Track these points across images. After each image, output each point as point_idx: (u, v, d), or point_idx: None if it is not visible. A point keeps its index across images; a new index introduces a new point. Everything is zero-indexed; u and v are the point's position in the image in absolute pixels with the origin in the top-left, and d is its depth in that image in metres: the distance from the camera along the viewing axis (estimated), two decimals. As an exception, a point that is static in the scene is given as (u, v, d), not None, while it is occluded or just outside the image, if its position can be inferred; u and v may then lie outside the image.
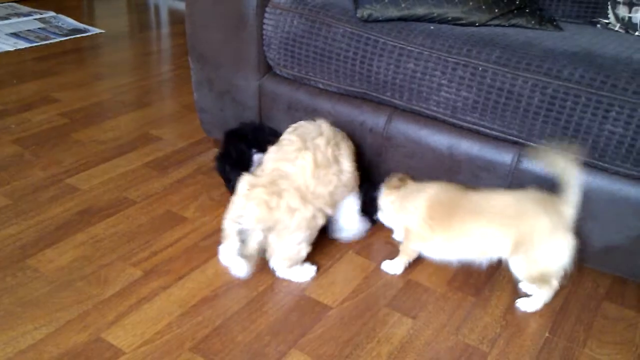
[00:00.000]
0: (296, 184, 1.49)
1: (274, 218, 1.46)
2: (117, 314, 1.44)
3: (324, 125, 1.61)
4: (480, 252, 1.56)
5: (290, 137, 1.57)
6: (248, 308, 1.50)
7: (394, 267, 1.66)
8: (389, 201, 1.68)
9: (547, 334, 1.50)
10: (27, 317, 1.41)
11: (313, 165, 1.50)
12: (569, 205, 1.46)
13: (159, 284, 1.55)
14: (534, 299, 1.57)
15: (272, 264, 1.58)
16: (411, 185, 1.67)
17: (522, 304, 1.58)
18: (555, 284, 1.56)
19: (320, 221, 1.57)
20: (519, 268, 1.52)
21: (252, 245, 1.48)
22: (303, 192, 1.49)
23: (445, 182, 1.63)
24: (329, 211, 1.58)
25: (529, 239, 1.48)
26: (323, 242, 1.76)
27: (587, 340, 1.49)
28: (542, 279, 1.53)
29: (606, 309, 1.60)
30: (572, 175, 1.44)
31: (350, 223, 1.75)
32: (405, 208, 1.63)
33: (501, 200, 1.52)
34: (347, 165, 1.61)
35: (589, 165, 1.54)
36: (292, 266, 1.60)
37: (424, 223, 1.58)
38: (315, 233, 1.58)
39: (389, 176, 1.72)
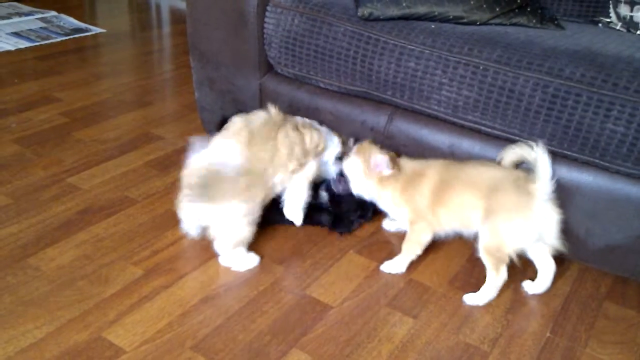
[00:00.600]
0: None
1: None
2: (118, 313, 1.44)
3: (272, 111, 1.70)
4: (462, 223, 1.61)
5: (234, 119, 1.67)
6: (249, 307, 1.50)
7: (397, 266, 1.66)
8: (387, 191, 1.68)
9: (548, 334, 1.50)
10: (28, 316, 1.41)
11: (245, 142, 1.59)
12: (540, 184, 1.49)
13: (160, 283, 1.55)
14: (481, 291, 1.58)
15: (216, 245, 1.62)
16: (406, 168, 1.67)
17: (468, 299, 1.58)
18: (504, 272, 1.55)
19: (258, 194, 1.60)
20: (482, 238, 1.54)
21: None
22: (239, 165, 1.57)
23: (438, 160, 1.67)
24: (265, 185, 1.62)
25: (495, 210, 1.51)
26: (324, 242, 1.76)
27: (588, 340, 1.49)
28: (497, 256, 1.54)
29: (607, 309, 1.60)
30: (540, 159, 1.49)
31: (289, 205, 1.73)
32: (411, 197, 1.64)
33: (482, 173, 1.58)
34: (284, 147, 1.64)
35: (590, 164, 1.54)
36: (236, 247, 1.61)
37: (429, 209, 1.61)
38: (256, 209, 1.60)
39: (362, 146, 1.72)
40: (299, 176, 1.70)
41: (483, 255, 1.55)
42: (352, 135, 1.85)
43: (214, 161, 1.57)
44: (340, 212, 1.81)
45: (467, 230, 1.62)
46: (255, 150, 1.60)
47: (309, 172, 1.71)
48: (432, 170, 1.62)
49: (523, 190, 1.51)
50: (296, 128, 1.69)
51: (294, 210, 1.72)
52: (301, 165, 1.69)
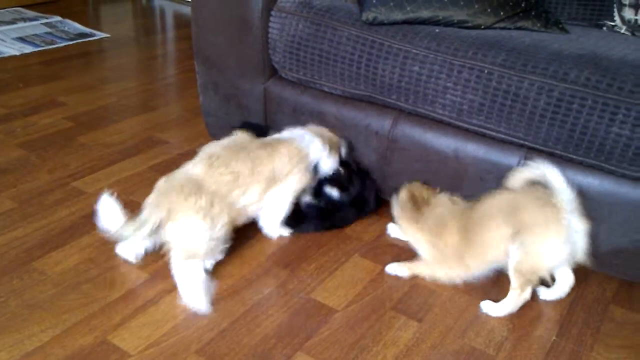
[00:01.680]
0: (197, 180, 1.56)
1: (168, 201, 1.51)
2: (123, 317, 1.44)
3: (238, 134, 1.73)
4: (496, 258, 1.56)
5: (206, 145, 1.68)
6: (254, 311, 1.50)
7: (400, 269, 1.67)
8: (413, 230, 1.68)
9: (554, 338, 1.49)
10: (33, 320, 1.41)
11: (206, 166, 1.58)
12: (562, 196, 1.45)
13: (165, 286, 1.55)
14: (502, 304, 1.55)
15: (171, 256, 1.53)
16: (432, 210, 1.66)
17: (486, 307, 1.56)
18: (528, 292, 1.53)
19: (222, 215, 1.54)
20: (512, 258, 1.50)
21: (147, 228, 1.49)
22: (201, 186, 1.54)
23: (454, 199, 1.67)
24: (230, 207, 1.58)
25: (524, 230, 1.47)
26: (329, 245, 1.76)
27: (594, 344, 1.48)
28: (528, 277, 1.51)
29: (613, 313, 1.60)
30: (549, 173, 1.47)
31: (265, 219, 1.77)
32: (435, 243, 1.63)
33: (497, 201, 1.54)
34: (245, 168, 1.61)
35: (595, 168, 1.54)
36: (188, 258, 1.51)
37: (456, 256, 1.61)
38: (218, 229, 1.54)
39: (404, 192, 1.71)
40: (278, 190, 1.70)
41: (513, 274, 1.51)
42: (357, 140, 1.86)
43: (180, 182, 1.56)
44: (356, 195, 1.83)
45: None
46: (217, 173, 1.57)
47: (290, 185, 1.71)
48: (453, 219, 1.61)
49: (548, 206, 1.46)
50: (263, 147, 1.67)
51: (271, 225, 1.76)
52: (273, 182, 1.67)
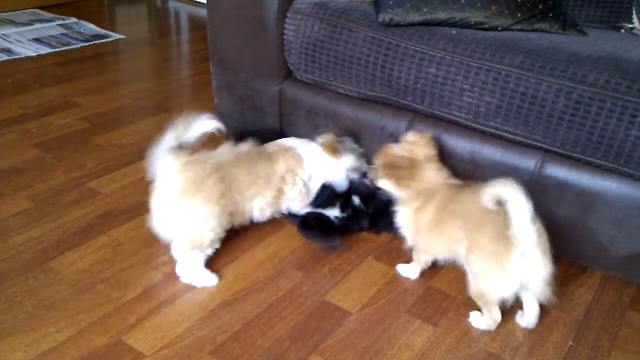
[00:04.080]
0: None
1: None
2: (137, 317, 1.45)
3: (250, 143, 1.73)
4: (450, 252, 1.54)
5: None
6: (267, 313, 1.50)
7: (409, 270, 1.66)
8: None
9: (570, 343, 1.48)
10: (48, 319, 1.42)
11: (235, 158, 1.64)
12: (517, 231, 1.34)
13: (179, 287, 1.55)
14: (482, 320, 1.50)
15: (174, 247, 1.59)
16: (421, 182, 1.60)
17: (473, 319, 1.51)
18: (497, 313, 1.47)
19: (228, 206, 1.58)
20: (467, 278, 1.48)
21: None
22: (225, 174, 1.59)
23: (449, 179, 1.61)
24: (236, 203, 1.62)
25: (474, 252, 1.42)
26: (343, 249, 1.76)
27: (611, 350, 1.46)
28: (482, 301, 1.47)
29: (631, 318, 1.57)
30: (513, 200, 1.33)
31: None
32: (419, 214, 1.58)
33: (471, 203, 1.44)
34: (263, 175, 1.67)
35: (613, 172, 1.52)
36: (192, 248, 1.56)
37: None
38: (222, 218, 1.57)
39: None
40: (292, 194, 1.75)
41: (471, 295, 1.49)
42: (372, 141, 1.85)
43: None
44: (375, 209, 1.81)
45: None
46: (240, 167, 1.62)
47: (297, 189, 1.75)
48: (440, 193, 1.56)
49: (502, 236, 1.36)
50: (269, 158, 1.71)
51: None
52: (280, 191, 1.71)
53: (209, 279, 1.58)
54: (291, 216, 1.83)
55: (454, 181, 1.60)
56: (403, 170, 1.59)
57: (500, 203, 1.35)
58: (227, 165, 1.60)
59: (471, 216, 1.44)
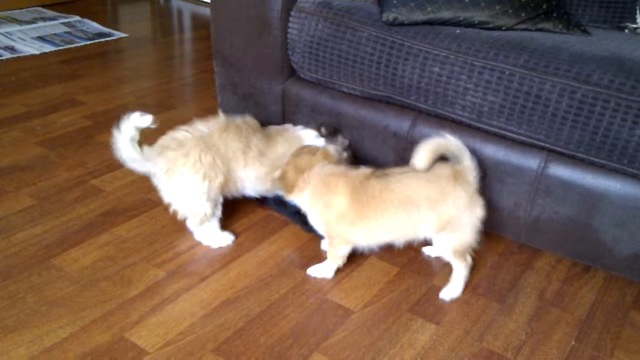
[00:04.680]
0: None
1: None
2: (140, 314, 1.45)
3: (247, 117, 1.79)
4: (407, 236, 1.58)
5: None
6: (270, 310, 1.50)
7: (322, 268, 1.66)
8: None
9: (573, 342, 1.48)
10: (51, 316, 1.42)
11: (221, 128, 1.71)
12: (472, 172, 1.53)
13: (182, 285, 1.56)
14: (454, 284, 1.60)
15: (187, 224, 1.73)
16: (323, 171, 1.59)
17: (446, 294, 1.60)
18: (469, 258, 1.60)
19: (218, 175, 1.65)
20: (446, 244, 1.56)
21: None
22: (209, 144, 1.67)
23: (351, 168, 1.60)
24: (228, 172, 1.69)
25: (455, 217, 1.51)
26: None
27: (614, 350, 1.46)
28: (465, 250, 1.57)
29: (634, 318, 1.57)
30: (459, 148, 1.52)
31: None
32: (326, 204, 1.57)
33: (420, 184, 1.52)
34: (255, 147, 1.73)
35: (617, 172, 1.52)
36: (202, 223, 1.69)
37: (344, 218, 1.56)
38: (214, 189, 1.66)
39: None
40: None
41: (451, 259, 1.59)
42: (375, 140, 1.85)
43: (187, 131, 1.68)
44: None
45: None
46: (230, 135, 1.69)
47: None
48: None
49: (465, 184, 1.52)
50: (267, 135, 1.78)
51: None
52: (275, 169, 1.72)
53: (225, 239, 1.73)
54: (277, 204, 1.86)
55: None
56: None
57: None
58: (210, 137, 1.67)
59: (429, 194, 1.51)
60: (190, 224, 1.72)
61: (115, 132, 1.58)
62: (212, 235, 1.72)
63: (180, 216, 1.70)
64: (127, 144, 1.57)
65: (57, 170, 2.04)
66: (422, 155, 1.51)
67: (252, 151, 1.71)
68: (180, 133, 1.67)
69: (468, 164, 1.53)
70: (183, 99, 2.73)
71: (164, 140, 1.67)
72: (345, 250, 1.60)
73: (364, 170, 1.57)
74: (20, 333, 1.37)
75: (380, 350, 1.41)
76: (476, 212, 1.54)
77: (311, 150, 1.63)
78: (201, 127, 1.70)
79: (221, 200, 1.72)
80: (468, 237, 1.55)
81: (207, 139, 1.67)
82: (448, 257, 1.59)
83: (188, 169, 1.62)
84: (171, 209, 1.70)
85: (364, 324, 1.48)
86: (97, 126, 2.38)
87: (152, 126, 1.58)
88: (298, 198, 1.61)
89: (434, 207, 1.50)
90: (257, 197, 1.85)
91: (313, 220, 1.61)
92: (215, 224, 1.72)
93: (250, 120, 1.78)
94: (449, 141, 1.52)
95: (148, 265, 1.62)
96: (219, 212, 1.72)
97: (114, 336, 1.38)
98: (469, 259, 1.60)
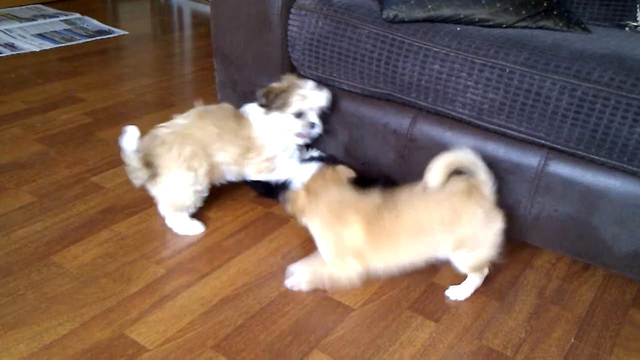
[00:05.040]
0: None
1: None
2: (140, 311, 1.45)
3: (225, 105, 1.87)
4: (424, 259, 1.55)
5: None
6: (270, 308, 1.50)
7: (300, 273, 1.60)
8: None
9: (572, 340, 1.48)
10: (51, 313, 1.42)
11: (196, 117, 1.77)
12: (488, 185, 1.49)
13: (182, 282, 1.56)
14: (464, 288, 1.58)
15: (160, 209, 1.76)
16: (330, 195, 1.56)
17: (452, 293, 1.59)
18: (486, 270, 1.58)
19: (202, 164, 1.71)
20: (463, 262, 1.53)
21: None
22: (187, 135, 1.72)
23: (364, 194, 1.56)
24: (208, 158, 1.73)
25: (471, 235, 1.47)
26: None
27: (613, 348, 1.46)
28: (483, 265, 1.55)
29: (633, 316, 1.57)
30: (474, 162, 1.48)
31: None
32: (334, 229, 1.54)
33: (431, 206, 1.48)
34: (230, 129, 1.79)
35: (617, 169, 1.52)
36: (176, 211, 1.73)
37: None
38: (200, 180, 1.71)
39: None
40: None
41: (469, 273, 1.57)
42: (375, 138, 1.85)
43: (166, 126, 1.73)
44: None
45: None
46: (205, 121, 1.74)
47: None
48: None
49: (481, 199, 1.48)
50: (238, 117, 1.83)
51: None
52: (246, 149, 1.80)
53: (195, 228, 1.76)
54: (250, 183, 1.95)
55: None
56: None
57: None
58: (189, 128, 1.73)
59: (443, 215, 1.47)
60: (163, 210, 1.75)
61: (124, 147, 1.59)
62: (181, 222, 1.75)
63: (160, 207, 1.75)
64: (133, 156, 1.61)
65: (57, 167, 2.04)
66: (435, 173, 1.46)
67: (227, 134, 1.76)
68: (160, 130, 1.72)
69: (483, 178, 1.48)
70: (183, 97, 2.73)
71: (145, 141, 1.68)
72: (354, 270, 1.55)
73: (374, 197, 1.52)
74: (20, 330, 1.37)
75: (380, 348, 1.41)
76: (495, 228, 1.49)
77: (322, 172, 1.61)
78: (180, 120, 1.76)
79: (206, 193, 1.78)
80: (486, 254, 1.51)
81: (186, 130, 1.72)
82: (463, 270, 1.55)
83: (173, 164, 1.67)
84: (157, 202, 1.75)
85: (363, 321, 1.49)
86: (97, 123, 2.38)
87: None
88: (308, 222, 1.59)
89: (448, 229, 1.46)
90: (238, 181, 1.89)
91: (321, 246, 1.56)
92: (187, 213, 1.76)
93: (225, 105, 1.85)
94: (463, 156, 1.47)
95: (148, 262, 1.62)
96: (198, 204, 1.77)
97: (114, 333, 1.38)
98: (486, 270, 1.58)
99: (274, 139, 1.82)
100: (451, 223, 1.46)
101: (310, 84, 1.81)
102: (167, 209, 1.74)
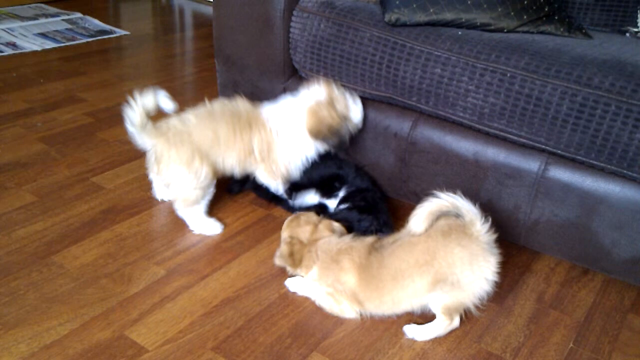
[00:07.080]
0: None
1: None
2: (140, 312, 1.45)
3: (239, 101, 1.82)
4: (415, 305, 1.46)
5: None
6: (270, 310, 1.50)
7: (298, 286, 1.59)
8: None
9: (571, 345, 1.48)
10: (52, 313, 1.43)
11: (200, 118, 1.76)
12: (475, 226, 1.39)
13: (182, 283, 1.56)
14: (429, 328, 1.46)
15: (174, 206, 1.78)
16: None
17: (410, 331, 1.47)
18: (457, 320, 1.46)
19: (204, 164, 1.70)
20: (437, 301, 1.42)
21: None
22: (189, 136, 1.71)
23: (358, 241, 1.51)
24: (209, 159, 1.72)
25: (449, 274, 1.37)
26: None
27: (612, 353, 1.47)
28: (458, 310, 1.44)
29: (632, 321, 1.58)
30: (459, 206, 1.38)
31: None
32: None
33: (407, 250, 1.42)
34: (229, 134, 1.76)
35: (617, 175, 1.53)
36: (187, 206, 1.75)
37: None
38: (203, 176, 1.71)
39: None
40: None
41: (441, 315, 1.44)
42: (376, 141, 1.85)
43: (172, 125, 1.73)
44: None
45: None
46: (204, 127, 1.72)
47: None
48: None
49: (466, 240, 1.38)
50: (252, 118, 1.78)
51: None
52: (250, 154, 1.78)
53: (212, 227, 1.77)
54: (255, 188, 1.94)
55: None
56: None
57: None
58: (191, 125, 1.72)
59: (420, 256, 1.40)
60: (177, 207, 1.76)
61: (137, 94, 1.64)
62: (197, 220, 1.77)
63: (174, 205, 1.77)
64: (140, 108, 1.65)
65: (58, 167, 2.04)
66: (417, 220, 1.41)
67: (232, 138, 1.75)
68: (172, 122, 1.73)
69: (470, 218, 1.38)
70: (184, 98, 2.73)
71: (161, 125, 1.72)
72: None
73: (367, 242, 1.48)
74: (20, 329, 1.37)
75: (380, 351, 1.41)
76: (483, 272, 1.38)
77: (308, 220, 1.56)
78: (189, 116, 1.75)
79: (212, 189, 1.78)
80: (464, 298, 1.40)
81: (192, 128, 1.72)
82: (435, 310, 1.44)
83: (174, 161, 1.68)
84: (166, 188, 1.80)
85: (363, 324, 1.49)
86: (98, 123, 2.38)
87: (169, 111, 1.72)
88: (305, 274, 1.54)
89: (425, 271, 1.38)
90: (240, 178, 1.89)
91: (318, 296, 1.52)
92: (201, 209, 1.77)
93: (240, 103, 1.80)
94: (444, 204, 1.39)
95: (148, 263, 1.62)
96: (208, 197, 1.78)
97: (114, 334, 1.38)
98: (457, 320, 1.46)
99: (294, 147, 1.80)
100: (426, 264, 1.38)
101: (348, 97, 1.78)
102: (178, 205, 1.76)
